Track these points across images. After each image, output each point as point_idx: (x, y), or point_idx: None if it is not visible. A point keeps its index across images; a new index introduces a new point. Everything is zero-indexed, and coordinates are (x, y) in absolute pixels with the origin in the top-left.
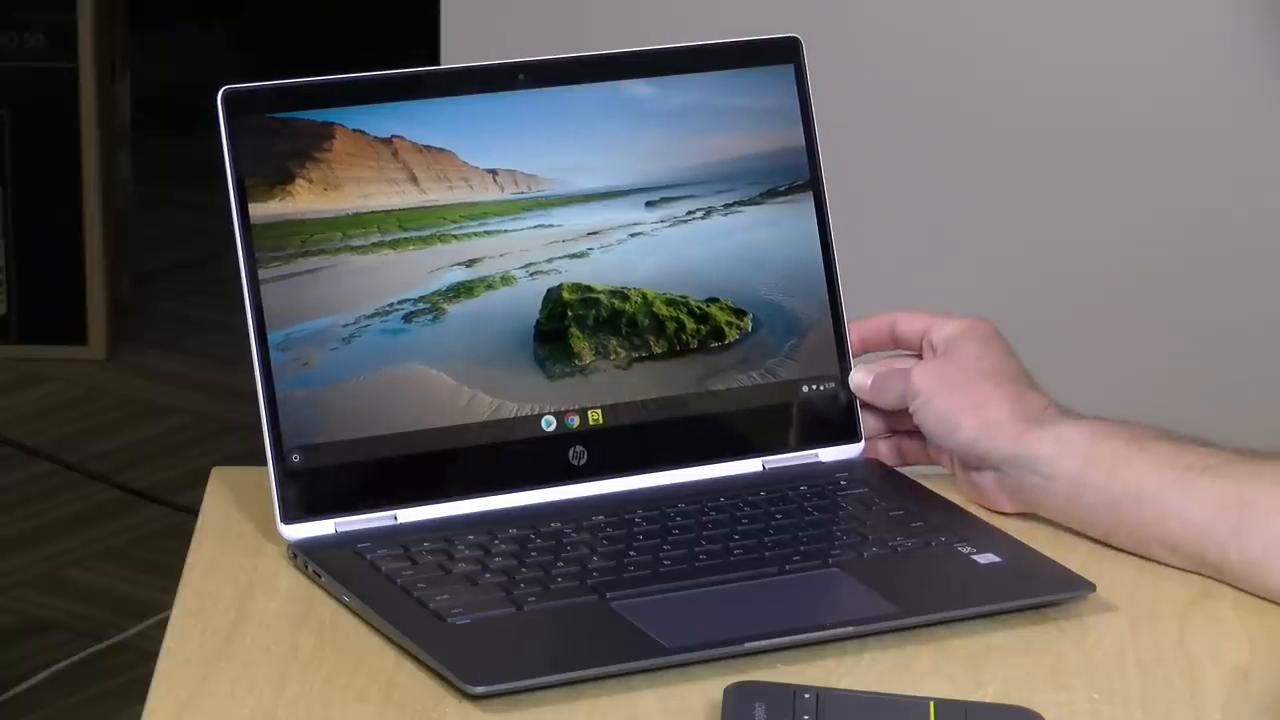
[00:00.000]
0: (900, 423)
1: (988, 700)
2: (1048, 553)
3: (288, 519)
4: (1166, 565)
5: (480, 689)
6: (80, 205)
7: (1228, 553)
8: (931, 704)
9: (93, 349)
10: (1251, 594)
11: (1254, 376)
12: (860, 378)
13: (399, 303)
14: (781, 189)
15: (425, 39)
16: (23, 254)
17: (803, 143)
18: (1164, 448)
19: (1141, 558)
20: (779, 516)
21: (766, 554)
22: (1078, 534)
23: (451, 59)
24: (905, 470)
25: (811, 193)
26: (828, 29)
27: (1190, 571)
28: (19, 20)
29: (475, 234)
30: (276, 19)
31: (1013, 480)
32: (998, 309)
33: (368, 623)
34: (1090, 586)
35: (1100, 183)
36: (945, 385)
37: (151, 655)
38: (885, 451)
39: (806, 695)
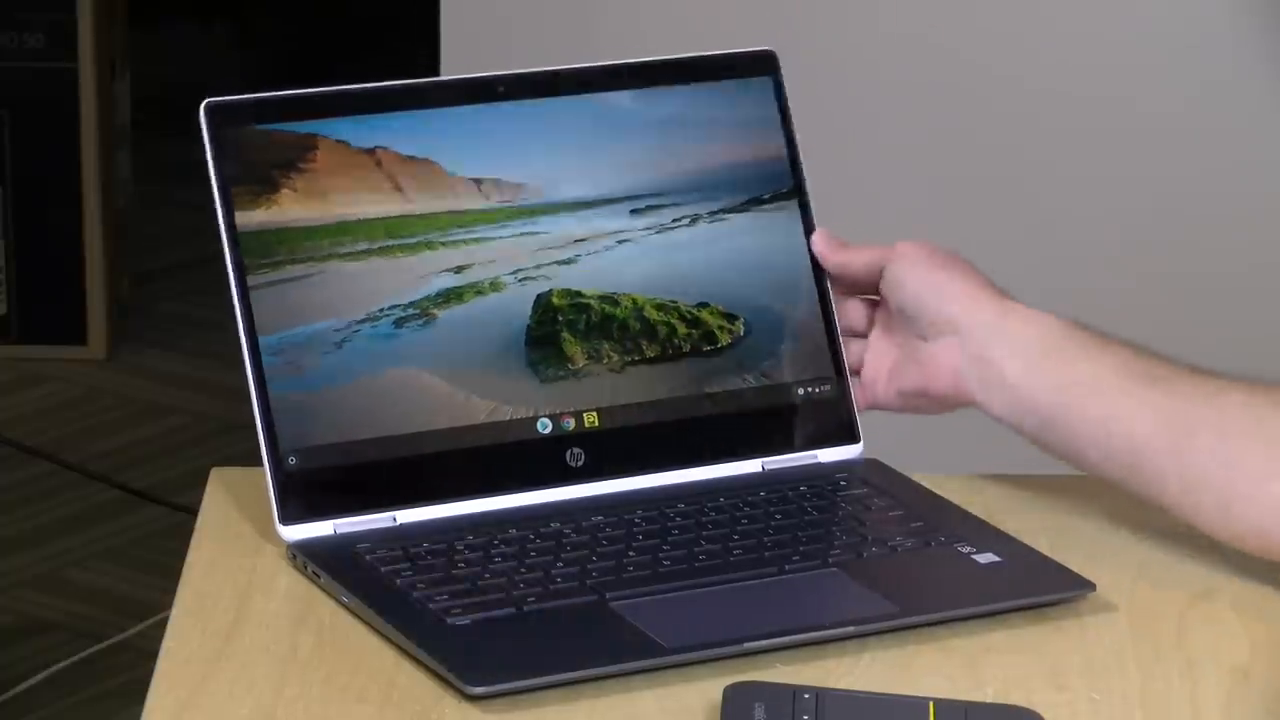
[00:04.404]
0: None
1: (988, 700)
2: (1048, 553)
3: (286, 520)
4: (1097, 477)
5: (479, 689)
6: (80, 205)
7: (1166, 470)
8: (931, 704)
9: (93, 349)
10: (1178, 517)
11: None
12: (821, 237)
13: (389, 308)
14: (765, 197)
15: (425, 39)
16: (23, 254)
17: (784, 151)
18: (1126, 351)
19: (1072, 467)
20: (778, 517)
21: (766, 554)
22: (1077, 533)
23: (451, 58)
24: (905, 470)
25: (796, 200)
26: (826, 35)
27: (1118, 486)
28: (19, 20)
29: (462, 241)
30: (276, 19)
31: (973, 349)
32: None
33: (367, 623)
34: (1090, 586)
35: (1091, 188)
36: (932, 252)
37: (151, 655)
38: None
39: (806, 695)
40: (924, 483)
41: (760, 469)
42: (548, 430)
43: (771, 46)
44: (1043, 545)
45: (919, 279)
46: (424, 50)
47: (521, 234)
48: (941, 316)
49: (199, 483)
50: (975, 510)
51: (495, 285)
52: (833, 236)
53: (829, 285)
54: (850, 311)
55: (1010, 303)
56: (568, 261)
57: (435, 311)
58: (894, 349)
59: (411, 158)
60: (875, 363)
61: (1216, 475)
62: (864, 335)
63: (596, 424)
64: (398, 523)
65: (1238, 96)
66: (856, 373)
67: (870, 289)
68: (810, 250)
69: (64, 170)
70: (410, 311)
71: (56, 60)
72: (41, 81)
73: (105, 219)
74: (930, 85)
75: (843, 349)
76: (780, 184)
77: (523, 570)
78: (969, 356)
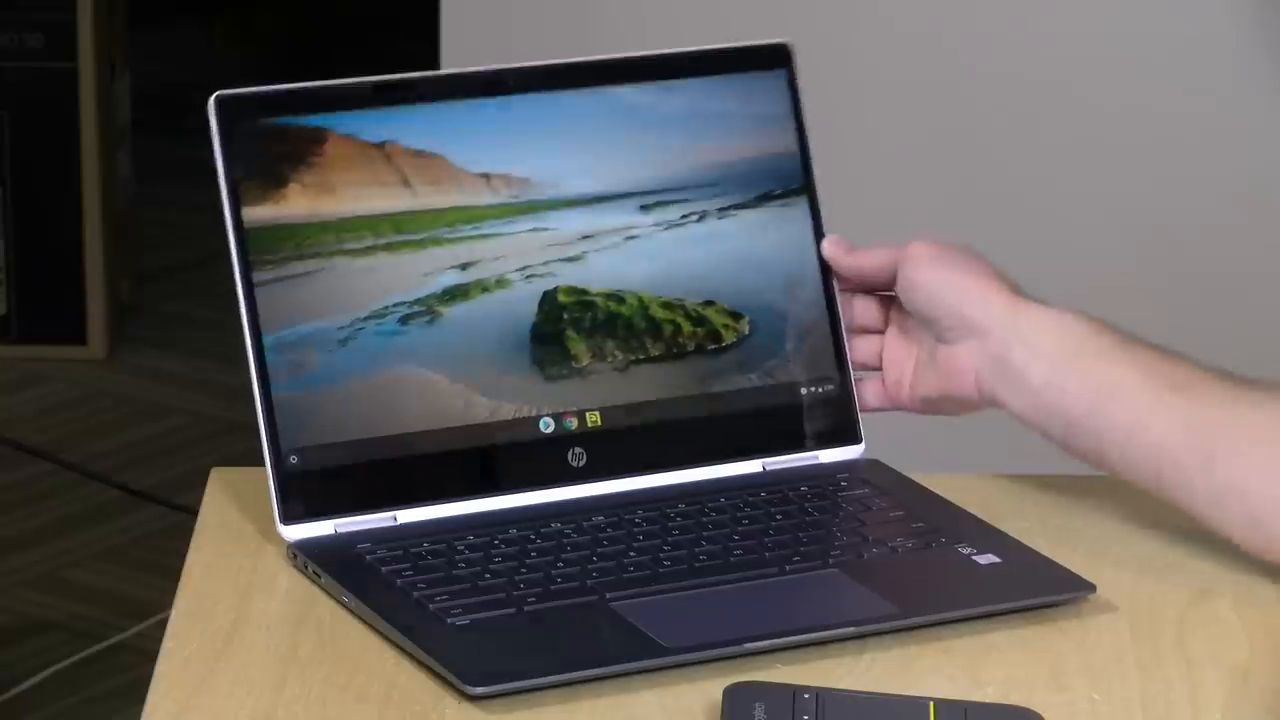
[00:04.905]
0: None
1: (988, 700)
2: (1048, 553)
3: (287, 519)
4: (1119, 479)
5: (480, 690)
6: (80, 205)
7: (1193, 480)
8: (931, 704)
9: (93, 349)
10: (1206, 528)
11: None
12: (833, 244)
13: (394, 305)
14: (776, 193)
15: (426, 38)
16: (23, 254)
17: (796, 147)
18: (1150, 354)
19: (1095, 468)
20: (779, 517)
21: (766, 554)
22: (1077, 533)
23: (452, 57)
24: (905, 470)
25: (806, 197)
26: (831, 30)
27: (1140, 488)
28: (19, 20)
29: (469, 237)
30: (276, 19)
31: (995, 350)
32: None
33: (367, 623)
34: (1090, 587)
35: (1102, 186)
36: (945, 251)
37: (151, 655)
38: (871, 394)
39: (806, 695)
40: (924, 483)
41: (761, 469)
42: (550, 429)
43: (783, 40)
44: (1043, 545)
45: (932, 279)
46: (425, 49)
47: (529, 230)
48: (958, 319)
49: (199, 483)
50: (975, 510)
51: (501, 282)
52: (843, 241)
53: (836, 285)
54: (862, 308)
55: (1028, 302)
56: (575, 258)
57: (441, 309)
58: (913, 351)
59: (420, 152)
60: (896, 366)
61: (1245, 486)
62: (878, 331)
63: (599, 423)
64: (398, 523)
65: (1246, 97)
66: (873, 369)
67: (885, 289)
68: (820, 254)
69: (64, 170)
70: (416, 309)
71: (56, 60)
72: (41, 81)
73: (105, 219)
74: (940, 83)
75: (847, 348)
76: (791, 180)
77: (523, 570)
78: (989, 359)
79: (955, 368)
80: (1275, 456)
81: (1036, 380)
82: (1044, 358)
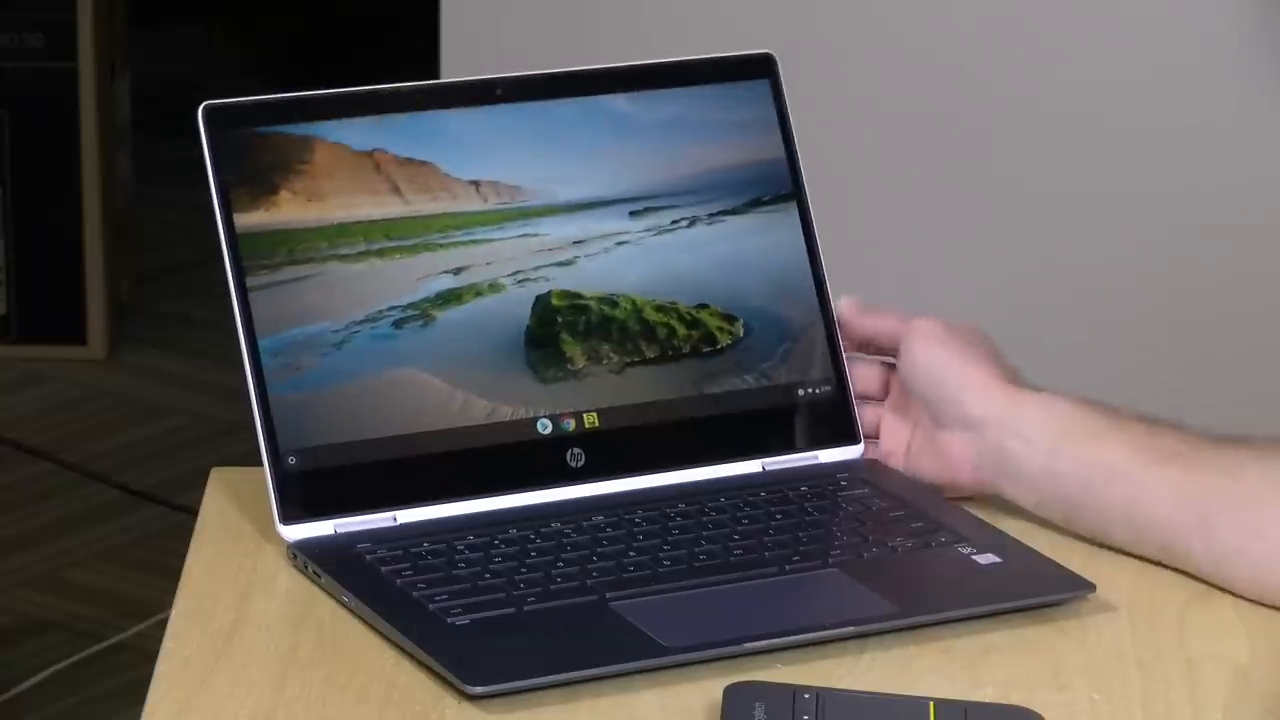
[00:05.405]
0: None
1: (988, 700)
2: (1048, 553)
3: (286, 519)
4: (1126, 553)
5: (480, 689)
6: (80, 205)
7: (1192, 546)
8: (931, 704)
9: (93, 349)
10: (1213, 586)
11: (1263, 387)
12: (847, 304)
13: (388, 309)
14: (765, 199)
15: (426, 37)
16: (23, 254)
17: (783, 154)
18: (1139, 428)
19: (1101, 546)
20: (779, 517)
21: (766, 554)
22: (1076, 535)
23: (451, 57)
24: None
25: (795, 202)
26: (828, 37)
27: (1151, 561)
28: (19, 20)
29: (461, 243)
30: (276, 19)
31: (989, 443)
32: (984, 315)
33: (367, 623)
34: (1090, 586)
35: (1097, 188)
36: (951, 333)
37: (151, 655)
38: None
39: (806, 695)
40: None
41: (760, 469)
42: (548, 431)
43: (772, 49)
44: (1043, 545)
45: (933, 359)
46: (424, 49)
47: (520, 236)
48: (955, 406)
49: (199, 483)
50: (975, 510)
51: (494, 287)
52: (857, 301)
53: (829, 290)
54: (864, 375)
55: (1021, 391)
56: (566, 263)
57: (434, 313)
58: (910, 429)
59: (410, 160)
60: (891, 438)
61: (1247, 549)
62: (877, 400)
63: (596, 424)
64: (398, 523)
65: (1247, 98)
66: (870, 438)
67: (889, 354)
68: (811, 259)
69: (64, 170)
70: (409, 313)
71: (56, 60)
72: (41, 81)
73: (105, 219)
74: (930, 87)
75: (843, 350)
76: (779, 186)
77: (523, 570)
78: (986, 450)
79: (952, 455)
80: (1270, 517)
81: (1032, 469)
82: (1037, 445)
